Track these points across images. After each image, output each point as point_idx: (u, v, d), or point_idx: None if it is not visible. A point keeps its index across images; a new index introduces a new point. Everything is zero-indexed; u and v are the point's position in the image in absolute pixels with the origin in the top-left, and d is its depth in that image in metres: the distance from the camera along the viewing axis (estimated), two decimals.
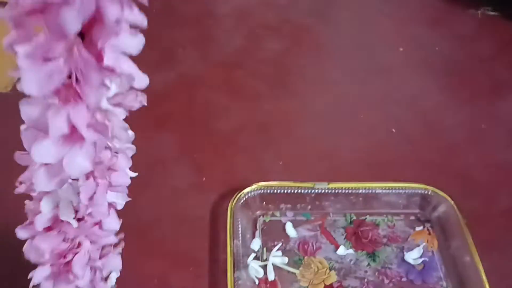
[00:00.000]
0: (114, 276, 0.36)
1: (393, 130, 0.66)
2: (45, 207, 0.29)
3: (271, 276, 0.50)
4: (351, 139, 0.65)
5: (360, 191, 0.55)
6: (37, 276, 0.30)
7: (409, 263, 0.52)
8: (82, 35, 0.23)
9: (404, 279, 0.51)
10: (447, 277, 0.51)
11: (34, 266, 0.31)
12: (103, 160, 0.29)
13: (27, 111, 0.24)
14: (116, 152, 0.30)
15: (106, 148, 0.28)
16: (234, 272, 0.48)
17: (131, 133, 0.29)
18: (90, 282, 0.32)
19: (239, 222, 0.52)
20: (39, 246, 0.29)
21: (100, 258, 0.33)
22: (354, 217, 0.55)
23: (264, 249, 0.52)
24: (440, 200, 0.55)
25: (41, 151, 0.25)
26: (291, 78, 0.74)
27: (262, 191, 0.54)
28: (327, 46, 0.80)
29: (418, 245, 0.53)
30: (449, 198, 0.55)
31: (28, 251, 0.31)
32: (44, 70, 0.22)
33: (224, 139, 0.64)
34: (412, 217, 0.56)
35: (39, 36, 0.22)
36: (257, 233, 0.53)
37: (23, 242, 0.30)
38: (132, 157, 0.31)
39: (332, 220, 0.55)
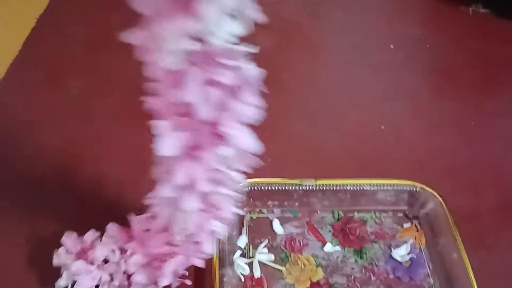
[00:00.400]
0: None
1: (382, 127, 0.65)
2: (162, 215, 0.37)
3: (257, 273, 0.50)
4: (340, 135, 0.64)
5: (348, 188, 0.55)
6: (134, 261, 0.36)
7: (396, 260, 0.52)
8: None
9: (391, 276, 0.51)
10: (435, 274, 0.51)
11: None
12: (212, 201, 0.35)
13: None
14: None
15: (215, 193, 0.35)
16: (220, 269, 0.48)
17: (241, 181, 0.35)
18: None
19: None
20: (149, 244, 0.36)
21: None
22: (342, 214, 0.55)
23: (251, 246, 0.52)
24: (428, 197, 0.55)
25: (164, 191, 0.34)
26: (281, 75, 0.73)
27: (249, 188, 0.54)
28: (317, 43, 0.79)
29: (406, 242, 0.53)
30: (437, 195, 0.54)
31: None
32: (175, 138, 0.29)
33: None
34: (400, 214, 0.56)
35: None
36: (244, 230, 0.53)
37: None
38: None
39: (320, 217, 0.55)
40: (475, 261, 0.49)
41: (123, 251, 0.46)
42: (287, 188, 0.54)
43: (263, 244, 0.52)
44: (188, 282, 0.46)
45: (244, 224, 0.54)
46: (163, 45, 0.24)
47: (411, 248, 0.53)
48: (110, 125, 0.63)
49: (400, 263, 0.52)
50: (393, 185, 0.55)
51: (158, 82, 0.27)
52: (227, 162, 0.32)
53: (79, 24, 0.78)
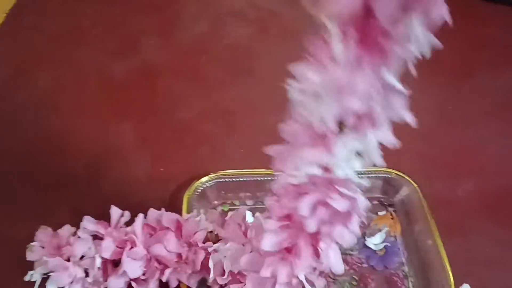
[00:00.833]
0: None
1: None
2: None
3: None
4: None
5: None
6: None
7: (370, 249, 0.51)
8: None
9: (365, 265, 0.50)
10: (409, 262, 0.50)
11: None
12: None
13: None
14: None
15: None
16: None
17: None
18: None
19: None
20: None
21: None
22: None
23: None
24: (403, 184, 0.54)
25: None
26: (257, 64, 0.72)
27: (220, 180, 0.53)
28: (293, 31, 0.78)
29: (380, 230, 0.52)
30: (412, 182, 0.53)
31: None
32: (277, 239, 0.33)
33: (186, 128, 0.63)
34: (375, 202, 0.55)
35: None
36: None
37: None
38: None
39: None
40: (450, 248, 0.48)
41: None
42: (259, 179, 0.53)
43: None
44: None
45: None
46: (295, 165, 0.29)
47: (385, 236, 0.52)
48: (79, 118, 0.62)
49: (374, 251, 0.51)
50: (367, 172, 0.54)
51: (281, 189, 0.32)
52: (310, 273, 0.35)
53: (48, 18, 0.76)
